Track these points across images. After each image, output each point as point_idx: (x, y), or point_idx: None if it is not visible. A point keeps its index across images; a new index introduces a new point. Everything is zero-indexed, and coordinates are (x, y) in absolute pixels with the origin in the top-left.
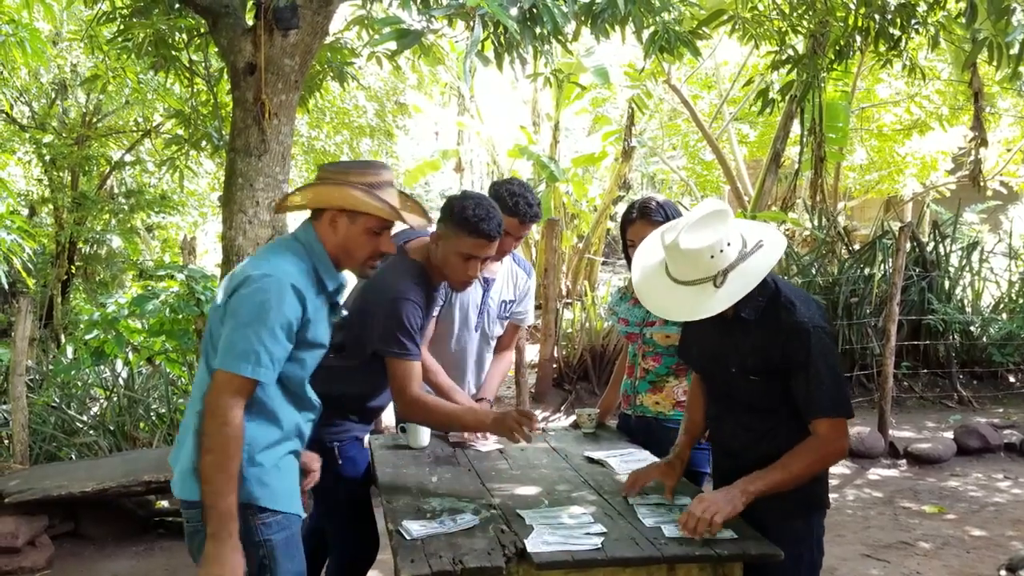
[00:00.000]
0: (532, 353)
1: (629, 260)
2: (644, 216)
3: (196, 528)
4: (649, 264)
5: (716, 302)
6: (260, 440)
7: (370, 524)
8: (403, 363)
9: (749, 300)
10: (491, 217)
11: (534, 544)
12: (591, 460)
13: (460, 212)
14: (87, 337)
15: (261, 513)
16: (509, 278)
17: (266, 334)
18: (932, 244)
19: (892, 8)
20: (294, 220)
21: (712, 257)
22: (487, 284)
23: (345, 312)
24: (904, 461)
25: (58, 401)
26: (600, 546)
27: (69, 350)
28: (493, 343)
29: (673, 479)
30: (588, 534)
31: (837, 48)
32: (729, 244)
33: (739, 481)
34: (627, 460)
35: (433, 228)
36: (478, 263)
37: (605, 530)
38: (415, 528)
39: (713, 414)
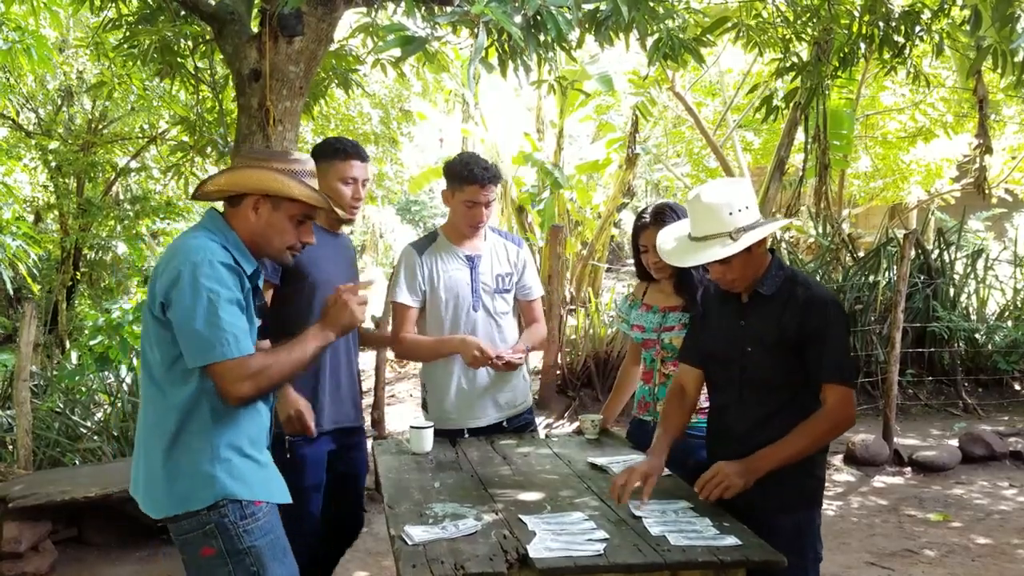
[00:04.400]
0: (536, 359)
1: (640, 266)
2: (658, 222)
3: (186, 541)
4: (673, 233)
5: (731, 249)
6: (224, 434)
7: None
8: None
9: (768, 277)
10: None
11: (536, 550)
12: (594, 466)
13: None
14: (92, 343)
15: (242, 520)
16: (497, 251)
17: (224, 314)
18: (937, 251)
19: (896, 15)
20: None
21: (730, 214)
22: (472, 262)
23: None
24: (909, 469)
25: (62, 406)
26: (603, 552)
27: (74, 356)
28: (503, 321)
29: (656, 475)
30: (591, 540)
31: (841, 55)
32: (747, 208)
33: (751, 456)
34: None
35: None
36: (357, 186)
37: (608, 536)
38: (417, 533)
39: (718, 404)
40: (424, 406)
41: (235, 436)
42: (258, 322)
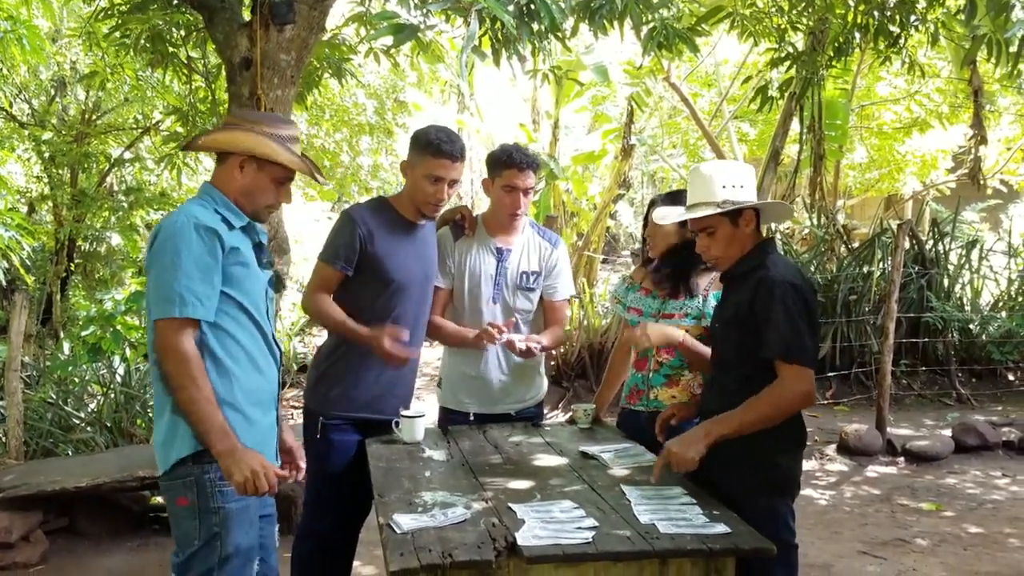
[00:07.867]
0: None
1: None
2: (668, 202)
3: (169, 488)
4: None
5: (709, 210)
6: (219, 389)
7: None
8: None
9: (744, 260)
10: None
11: (524, 538)
12: (585, 455)
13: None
14: (84, 333)
15: (220, 480)
16: (530, 248)
17: (182, 275)
18: (931, 242)
19: (891, 5)
20: (290, 214)
21: (723, 187)
22: (501, 254)
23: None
24: (902, 458)
25: (55, 397)
26: (591, 540)
27: (66, 346)
28: (524, 319)
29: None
30: (579, 528)
31: (836, 45)
32: (742, 187)
33: (702, 424)
34: (621, 455)
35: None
36: (443, 186)
37: (597, 524)
38: (405, 522)
39: (706, 380)
40: (440, 384)
41: (231, 391)
42: (268, 273)
